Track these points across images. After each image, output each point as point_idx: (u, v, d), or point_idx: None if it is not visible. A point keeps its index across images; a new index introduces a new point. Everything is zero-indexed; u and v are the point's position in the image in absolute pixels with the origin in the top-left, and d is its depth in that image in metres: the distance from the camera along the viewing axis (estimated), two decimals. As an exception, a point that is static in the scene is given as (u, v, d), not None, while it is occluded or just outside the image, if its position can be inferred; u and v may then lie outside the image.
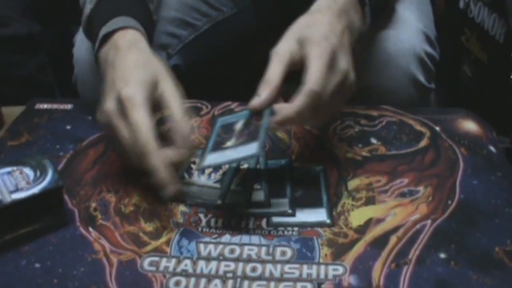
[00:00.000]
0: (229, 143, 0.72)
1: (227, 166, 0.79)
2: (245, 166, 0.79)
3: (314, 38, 0.71)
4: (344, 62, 0.71)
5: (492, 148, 0.82)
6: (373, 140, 0.83)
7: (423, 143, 0.83)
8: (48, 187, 0.68)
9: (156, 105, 0.74)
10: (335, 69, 0.70)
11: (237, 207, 0.73)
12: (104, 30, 0.80)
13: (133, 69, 0.74)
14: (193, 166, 0.79)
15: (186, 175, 0.78)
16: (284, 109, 0.69)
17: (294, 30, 0.73)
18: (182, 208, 0.73)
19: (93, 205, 0.74)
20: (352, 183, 0.76)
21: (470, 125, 0.86)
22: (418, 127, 0.86)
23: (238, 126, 0.73)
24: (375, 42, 0.93)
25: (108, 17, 0.81)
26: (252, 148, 0.69)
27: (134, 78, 0.73)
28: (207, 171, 0.78)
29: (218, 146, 0.73)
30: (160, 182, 0.69)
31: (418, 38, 0.94)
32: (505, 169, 0.78)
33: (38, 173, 0.70)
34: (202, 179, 0.77)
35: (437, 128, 0.85)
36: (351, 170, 0.78)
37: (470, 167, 0.78)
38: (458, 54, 1.39)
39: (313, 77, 0.68)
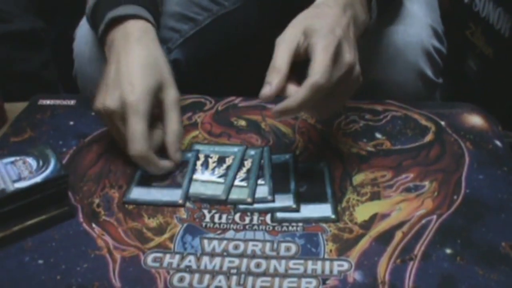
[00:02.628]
0: (154, 183, 0.76)
1: (230, 160, 0.79)
2: (249, 161, 0.79)
3: (321, 30, 0.69)
4: (349, 55, 0.70)
5: (497, 143, 0.81)
6: (378, 135, 0.83)
7: (428, 137, 0.82)
8: (50, 176, 0.69)
9: (155, 107, 0.77)
10: (340, 62, 0.69)
11: (241, 202, 0.73)
12: (111, 14, 0.80)
13: (140, 70, 0.76)
14: (197, 162, 0.79)
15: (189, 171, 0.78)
16: (286, 99, 0.67)
17: (300, 20, 0.72)
18: (185, 203, 0.73)
19: (97, 201, 0.73)
20: (357, 178, 0.76)
21: (475, 120, 0.85)
22: (423, 121, 0.85)
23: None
24: (384, 36, 0.92)
25: (117, 3, 0.81)
26: (175, 195, 0.74)
27: (141, 84, 0.75)
28: (211, 166, 0.78)
29: (145, 182, 0.76)
30: None
31: (426, 33, 0.94)
32: (511, 163, 0.78)
33: (41, 163, 0.70)
34: (206, 175, 0.77)
35: (442, 123, 0.85)
36: (356, 165, 0.78)
37: (476, 162, 0.77)
38: (463, 49, 1.38)
39: (319, 69, 0.66)
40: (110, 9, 0.81)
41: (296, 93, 0.67)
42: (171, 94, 0.78)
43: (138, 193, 0.74)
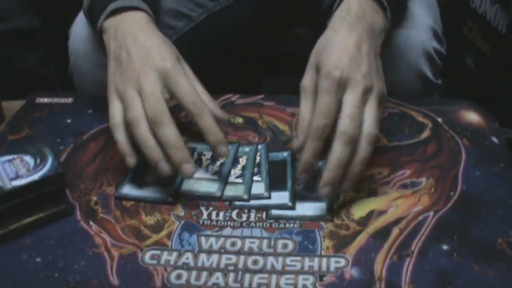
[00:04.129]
0: (148, 179, 0.75)
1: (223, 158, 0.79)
2: (244, 158, 0.79)
3: (325, 69, 0.70)
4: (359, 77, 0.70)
5: (494, 139, 0.81)
6: (375, 132, 0.83)
7: (425, 134, 0.82)
8: (48, 174, 0.69)
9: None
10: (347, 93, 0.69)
11: (237, 199, 0.73)
12: (113, 5, 0.80)
13: (164, 44, 0.76)
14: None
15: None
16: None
17: (313, 57, 0.74)
18: (183, 201, 0.73)
19: (94, 198, 0.74)
20: (354, 175, 0.76)
21: (472, 116, 0.86)
22: (420, 118, 0.85)
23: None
24: (385, 38, 0.92)
25: None
26: (165, 192, 0.74)
27: (171, 53, 0.75)
28: (204, 163, 0.78)
29: (138, 178, 0.76)
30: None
31: (427, 35, 0.94)
32: (508, 160, 0.78)
33: (38, 161, 0.70)
34: (199, 172, 0.77)
35: (439, 119, 0.85)
36: (353, 162, 0.77)
37: (473, 158, 0.78)
38: (460, 45, 1.38)
39: (319, 113, 0.69)
40: (112, 1, 0.80)
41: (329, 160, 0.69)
42: (188, 67, 0.78)
43: (130, 188, 0.75)
